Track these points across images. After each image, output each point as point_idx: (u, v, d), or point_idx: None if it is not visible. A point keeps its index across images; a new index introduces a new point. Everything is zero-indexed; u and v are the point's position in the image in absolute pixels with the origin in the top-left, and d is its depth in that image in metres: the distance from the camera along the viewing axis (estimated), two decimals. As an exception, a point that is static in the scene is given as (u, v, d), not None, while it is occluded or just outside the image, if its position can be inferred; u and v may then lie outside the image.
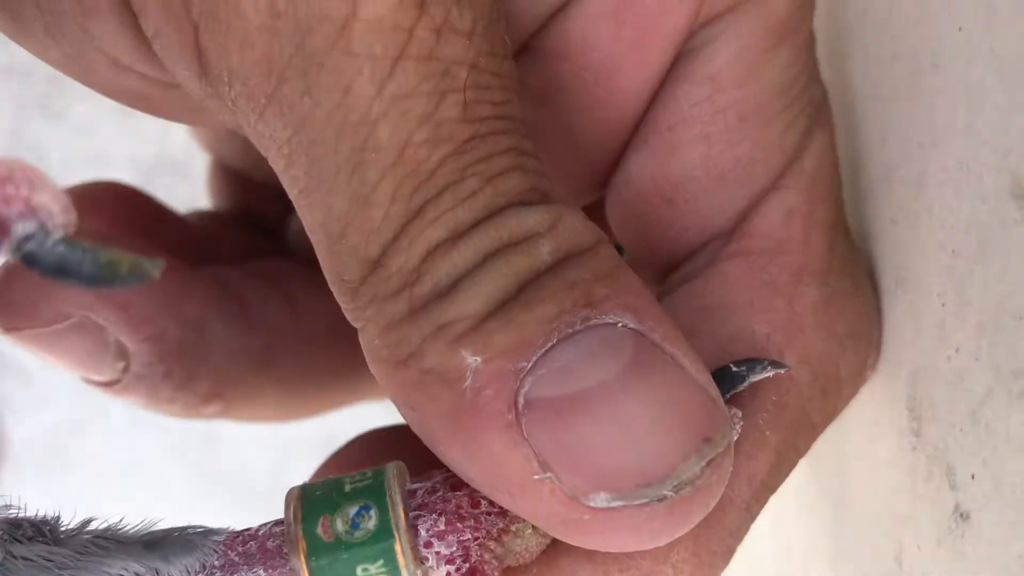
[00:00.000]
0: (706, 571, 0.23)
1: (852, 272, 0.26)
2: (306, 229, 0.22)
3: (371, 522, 0.22)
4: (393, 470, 0.23)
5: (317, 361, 0.31)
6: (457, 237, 0.21)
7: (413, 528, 0.22)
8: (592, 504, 0.20)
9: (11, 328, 0.27)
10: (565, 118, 0.26)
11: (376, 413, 0.32)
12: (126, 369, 0.28)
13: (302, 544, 0.22)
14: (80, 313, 0.27)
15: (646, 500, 0.20)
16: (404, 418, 0.23)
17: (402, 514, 0.22)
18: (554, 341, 0.21)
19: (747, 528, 0.24)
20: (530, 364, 0.21)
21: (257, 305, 0.30)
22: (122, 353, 0.28)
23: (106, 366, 0.28)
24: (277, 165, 0.22)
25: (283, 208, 0.34)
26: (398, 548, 0.22)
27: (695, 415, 0.21)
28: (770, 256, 0.25)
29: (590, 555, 0.23)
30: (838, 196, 0.26)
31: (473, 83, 0.21)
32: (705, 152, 0.25)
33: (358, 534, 0.22)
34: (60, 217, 0.19)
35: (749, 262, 0.25)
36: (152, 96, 0.24)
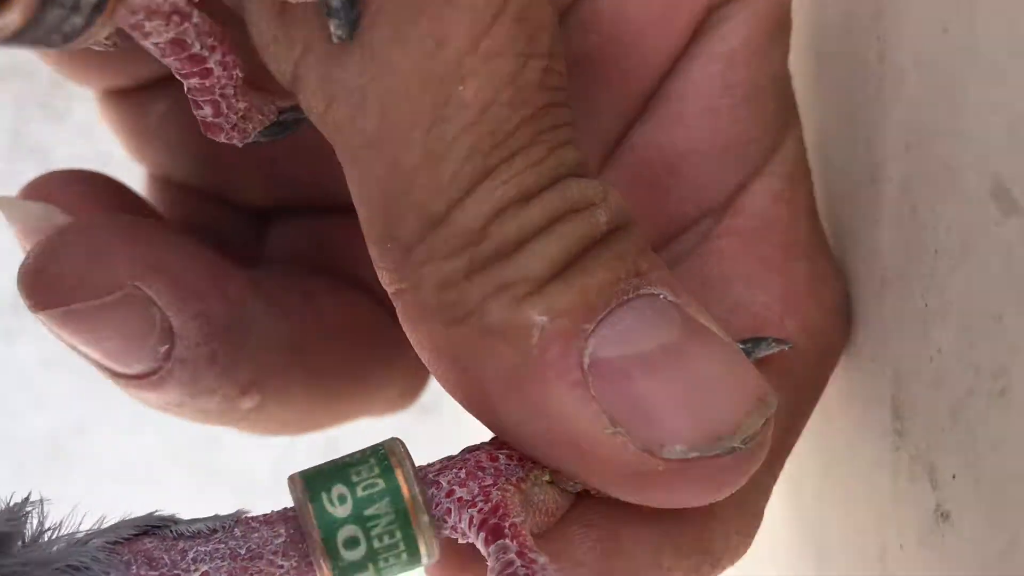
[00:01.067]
0: (748, 526, 0.25)
1: (829, 254, 0.28)
2: (358, 185, 0.23)
3: (371, 458, 0.23)
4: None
5: (337, 358, 0.30)
6: (526, 200, 0.22)
7: (435, 483, 0.23)
8: (667, 456, 0.22)
9: (59, 303, 0.26)
10: (587, 88, 0.27)
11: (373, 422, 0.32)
12: (168, 355, 0.27)
13: (300, 480, 0.23)
14: (130, 283, 0.26)
15: (719, 452, 0.22)
16: (443, 381, 0.23)
17: (407, 463, 0.23)
18: (613, 306, 0.22)
19: (771, 487, 0.26)
20: (592, 326, 0.22)
21: (283, 298, 0.30)
22: (167, 335, 0.26)
23: (148, 350, 0.26)
24: (339, 115, 0.22)
25: (253, 228, 0.33)
26: (395, 464, 0.23)
27: (747, 377, 0.22)
28: (761, 234, 0.27)
29: (646, 522, 0.23)
30: (811, 185, 0.28)
31: (551, 51, 0.22)
32: (712, 124, 0.26)
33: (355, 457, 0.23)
34: None
35: (743, 239, 0.27)
36: None
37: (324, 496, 0.22)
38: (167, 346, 0.26)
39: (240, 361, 0.28)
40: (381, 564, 0.22)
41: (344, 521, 0.22)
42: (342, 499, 0.22)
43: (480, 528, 0.22)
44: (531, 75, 0.22)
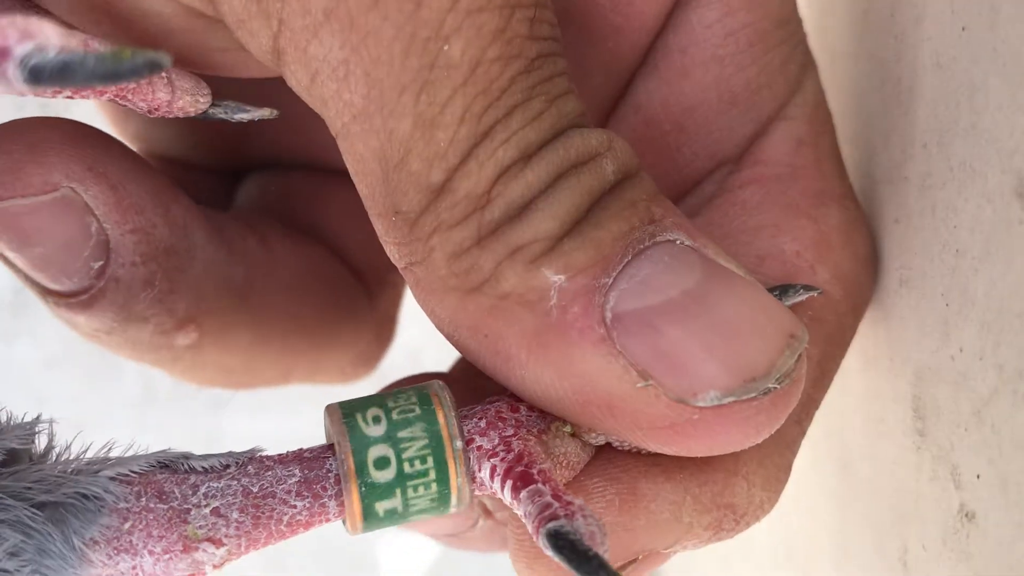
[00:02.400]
0: (773, 480, 0.24)
1: (857, 200, 0.27)
2: (353, 160, 0.22)
3: (410, 391, 0.23)
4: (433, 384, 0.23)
5: (288, 309, 0.29)
6: (528, 158, 0.21)
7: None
8: (701, 404, 0.21)
9: None
10: (578, 47, 0.26)
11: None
12: (102, 272, 0.25)
13: (337, 407, 0.23)
14: (68, 184, 0.24)
15: (754, 394, 0.21)
16: (465, 350, 0.23)
17: (448, 403, 0.22)
18: (629, 257, 0.21)
19: (799, 442, 0.25)
20: (611, 280, 0.21)
21: (237, 237, 0.28)
22: (102, 250, 0.25)
23: (81, 263, 0.25)
24: (325, 90, 0.21)
25: (226, 190, 0.32)
26: (438, 409, 0.22)
27: (775, 314, 0.22)
28: (787, 182, 0.26)
29: (668, 475, 0.23)
30: (833, 129, 0.27)
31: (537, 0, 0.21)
32: (717, 74, 0.26)
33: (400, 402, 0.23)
34: (57, 39, 0.19)
35: (766, 188, 0.26)
36: (177, 30, 0.23)
37: (359, 416, 0.22)
38: (101, 263, 0.25)
39: (178, 291, 0.26)
40: (410, 493, 0.22)
41: (376, 440, 0.22)
42: (376, 419, 0.22)
43: (506, 476, 0.22)
44: (518, 27, 0.21)
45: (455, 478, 0.22)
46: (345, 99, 0.21)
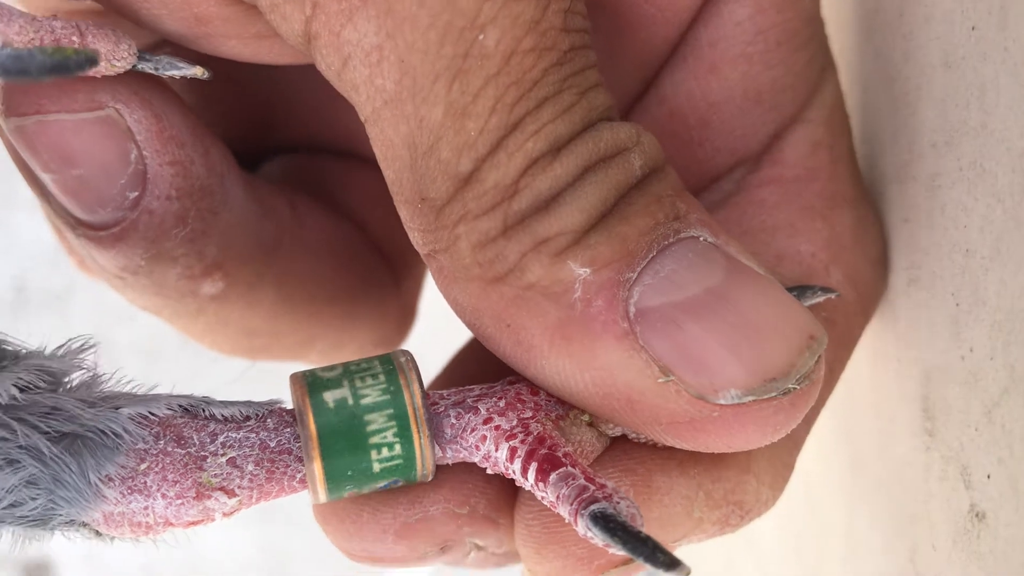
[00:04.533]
0: (779, 479, 0.24)
1: (870, 202, 0.27)
2: (381, 146, 0.22)
3: (376, 365, 0.23)
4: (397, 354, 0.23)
5: (316, 275, 0.29)
6: (557, 150, 0.21)
7: (473, 409, 0.23)
8: (722, 401, 0.21)
9: (35, 111, 0.24)
10: (610, 35, 0.26)
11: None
12: (136, 203, 0.24)
13: (301, 381, 0.23)
14: (113, 105, 0.24)
15: (774, 394, 0.21)
16: (486, 339, 0.23)
17: (412, 373, 0.22)
18: (654, 252, 0.22)
19: (804, 440, 0.25)
20: (635, 275, 0.21)
21: (267, 195, 0.28)
22: (139, 180, 0.24)
23: (116, 192, 0.24)
24: (357, 75, 0.21)
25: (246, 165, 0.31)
26: (402, 381, 0.22)
27: (796, 315, 0.22)
28: (804, 183, 0.26)
29: (683, 470, 0.23)
30: (850, 131, 0.27)
31: None
32: (745, 71, 0.26)
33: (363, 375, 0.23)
34: (5, 35, 0.20)
35: (783, 188, 0.26)
36: (216, 17, 0.23)
37: (323, 382, 0.22)
38: (137, 193, 0.25)
39: (210, 233, 0.26)
40: (374, 462, 0.22)
41: (341, 407, 0.22)
42: (340, 386, 0.22)
43: (529, 459, 0.22)
44: (553, 18, 0.21)
45: (419, 443, 0.22)
46: (377, 84, 0.21)
